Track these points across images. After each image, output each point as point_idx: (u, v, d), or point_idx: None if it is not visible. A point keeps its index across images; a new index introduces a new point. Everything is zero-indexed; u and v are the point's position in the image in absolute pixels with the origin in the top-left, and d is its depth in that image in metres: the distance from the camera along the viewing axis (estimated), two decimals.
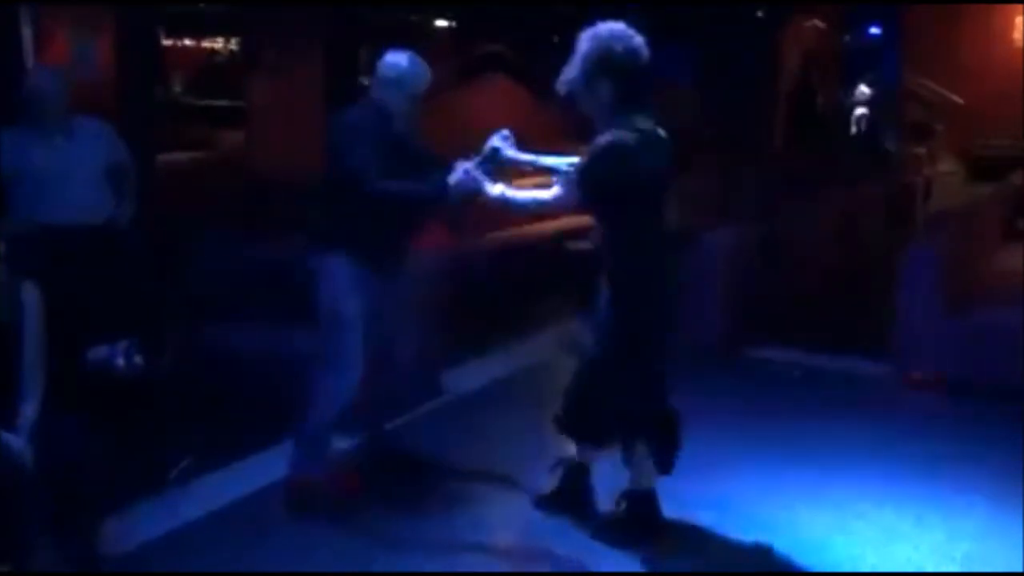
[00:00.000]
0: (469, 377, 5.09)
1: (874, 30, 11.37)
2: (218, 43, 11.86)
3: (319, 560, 3.31)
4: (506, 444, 4.28)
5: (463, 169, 3.42)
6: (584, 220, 6.64)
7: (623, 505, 3.45)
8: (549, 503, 3.62)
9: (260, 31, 8.62)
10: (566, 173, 3.32)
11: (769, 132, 10.35)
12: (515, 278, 6.53)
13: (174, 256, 5.09)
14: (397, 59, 3.61)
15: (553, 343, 5.74)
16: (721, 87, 9.79)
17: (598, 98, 3.21)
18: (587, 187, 3.22)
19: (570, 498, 3.59)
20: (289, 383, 4.40)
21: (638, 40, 3.22)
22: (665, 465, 3.41)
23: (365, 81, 10.43)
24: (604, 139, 3.16)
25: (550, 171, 3.56)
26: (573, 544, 3.41)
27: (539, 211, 3.66)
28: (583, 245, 5.96)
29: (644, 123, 3.22)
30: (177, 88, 11.67)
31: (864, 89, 10.33)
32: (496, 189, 3.44)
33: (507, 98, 8.92)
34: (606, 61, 3.17)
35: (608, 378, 3.37)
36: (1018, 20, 9.44)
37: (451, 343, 5.01)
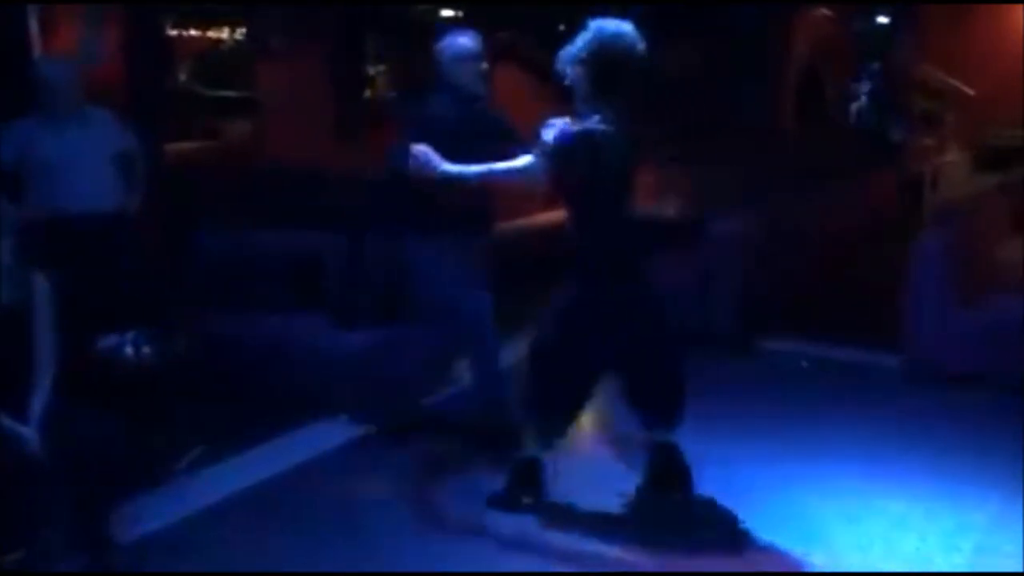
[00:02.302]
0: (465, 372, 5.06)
1: (882, 19, 11.30)
2: (224, 33, 11.83)
3: (328, 550, 3.32)
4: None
5: (416, 147, 3.51)
6: None
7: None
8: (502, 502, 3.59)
9: (266, 20, 8.61)
10: (542, 144, 3.33)
11: (778, 122, 10.31)
12: (516, 270, 6.51)
13: (184, 244, 5.10)
14: (464, 38, 3.83)
15: None
16: (729, 76, 9.75)
17: (578, 83, 3.32)
18: (554, 167, 3.31)
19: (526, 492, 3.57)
20: (298, 372, 4.43)
21: (630, 41, 3.28)
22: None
23: (371, 70, 10.49)
24: (575, 128, 3.26)
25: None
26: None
27: (507, 180, 3.64)
28: None
29: (615, 117, 3.28)
30: (183, 78, 11.66)
31: (864, 80, 10.31)
32: (448, 166, 3.51)
33: (517, 87, 8.89)
34: (594, 52, 3.26)
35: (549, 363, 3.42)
36: None
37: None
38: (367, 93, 10.18)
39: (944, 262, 4.92)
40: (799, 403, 4.64)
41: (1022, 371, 4.60)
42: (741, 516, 3.49)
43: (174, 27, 10.80)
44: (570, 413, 3.54)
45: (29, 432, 2.91)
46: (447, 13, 10.32)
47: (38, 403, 2.99)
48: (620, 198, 3.38)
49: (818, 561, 3.25)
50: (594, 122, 3.25)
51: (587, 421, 4.11)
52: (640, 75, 3.29)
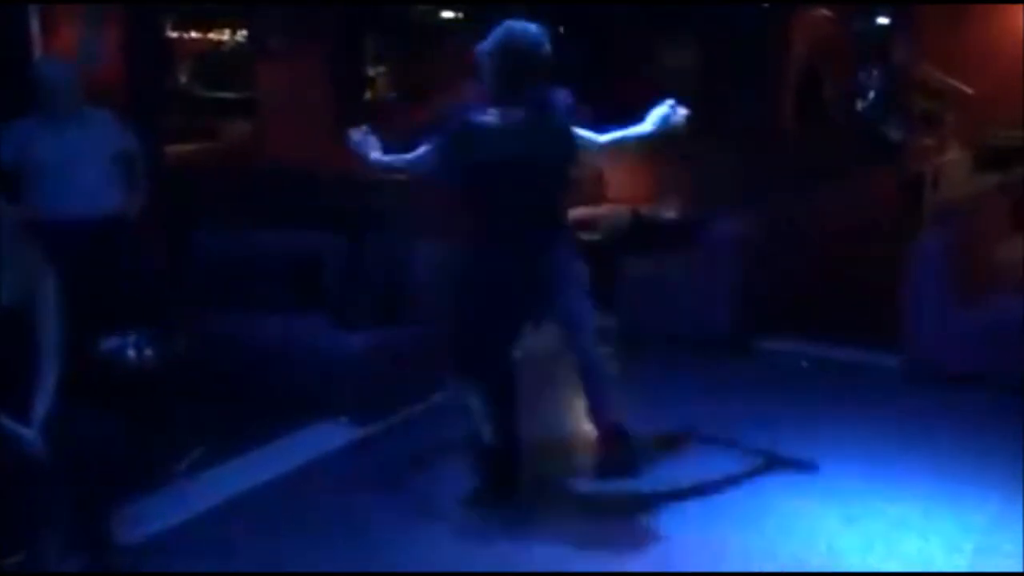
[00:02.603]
0: None
1: (882, 19, 11.30)
2: (224, 35, 11.84)
3: (329, 551, 3.32)
4: None
5: (358, 132, 3.65)
6: (594, 212, 6.69)
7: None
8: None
9: (267, 21, 8.62)
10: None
11: (777, 122, 10.31)
12: None
13: (185, 245, 5.10)
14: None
15: (558, 333, 5.74)
16: (728, 76, 9.75)
17: (486, 77, 3.45)
18: (438, 158, 3.46)
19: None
20: (299, 373, 4.43)
21: (534, 38, 3.39)
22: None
23: (371, 71, 10.48)
24: (459, 120, 3.42)
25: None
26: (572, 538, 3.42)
27: (410, 171, 3.71)
28: (595, 236, 5.96)
29: (512, 113, 3.39)
30: (183, 79, 11.67)
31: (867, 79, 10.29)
32: (373, 155, 3.66)
33: None
34: (497, 49, 3.40)
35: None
36: None
37: None
38: (367, 94, 10.19)
39: (944, 262, 4.92)
40: (798, 403, 4.64)
41: (1022, 371, 4.61)
42: (739, 516, 3.48)
43: (174, 29, 10.82)
44: (493, 386, 3.62)
45: (31, 433, 2.90)
46: (447, 15, 10.33)
47: (41, 405, 2.99)
48: (517, 188, 3.40)
49: (819, 562, 3.25)
50: (492, 114, 3.39)
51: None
52: (545, 71, 3.41)
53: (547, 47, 3.41)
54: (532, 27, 3.42)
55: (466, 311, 3.55)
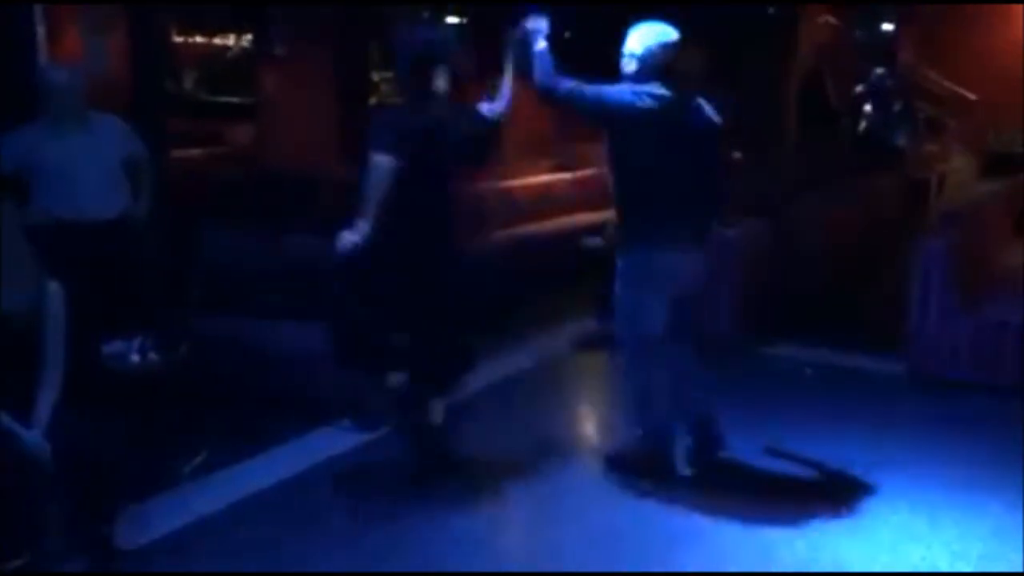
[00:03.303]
0: (478, 375, 5.07)
1: (887, 26, 11.30)
2: (230, 40, 11.88)
3: (332, 556, 3.33)
4: (515, 440, 4.29)
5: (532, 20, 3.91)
6: (598, 217, 6.70)
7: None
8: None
9: (272, 26, 8.64)
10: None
11: (782, 129, 10.31)
12: (528, 275, 6.53)
13: (187, 250, 5.11)
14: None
15: (566, 340, 5.75)
16: (733, 82, 9.75)
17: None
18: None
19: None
20: (302, 378, 4.44)
21: (441, 41, 3.93)
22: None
23: (375, 76, 10.51)
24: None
25: None
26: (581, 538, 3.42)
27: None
28: (598, 242, 5.96)
29: (430, 104, 3.82)
30: (188, 84, 11.71)
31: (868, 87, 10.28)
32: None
33: (522, 94, 8.91)
34: (409, 51, 3.88)
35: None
36: None
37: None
38: (372, 99, 10.22)
39: (947, 267, 4.92)
40: (801, 410, 4.63)
41: None
42: (741, 523, 3.48)
43: (179, 34, 10.86)
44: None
45: (34, 436, 2.91)
46: (452, 20, 10.34)
47: (44, 408, 2.99)
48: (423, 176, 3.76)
49: (823, 568, 3.25)
50: (406, 111, 3.86)
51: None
52: (452, 72, 3.84)
53: (455, 48, 3.98)
54: (442, 31, 3.70)
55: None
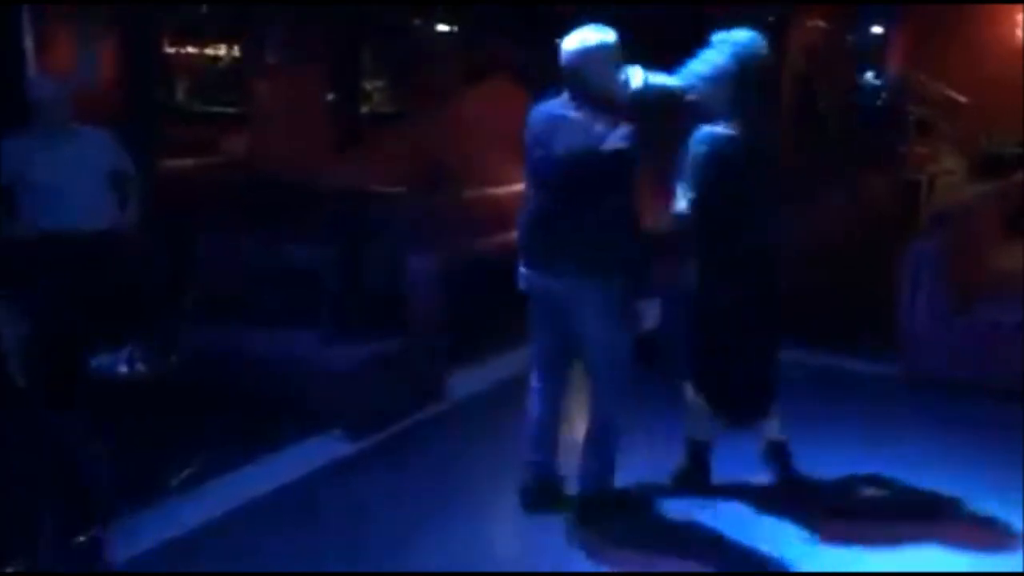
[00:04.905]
0: (470, 381, 5.07)
1: (877, 29, 11.34)
2: (221, 50, 11.90)
3: (322, 565, 3.31)
4: (506, 448, 4.28)
5: None
6: None
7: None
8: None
9: (264, 36, 8.66)
10: None
11: (772, 131, 10.33)
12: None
13: (180, 260, 5.11)
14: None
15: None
16: None
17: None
18: None
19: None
20: (293, 387, 4.43)
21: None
22: None
23: (367, 85, 10.54)
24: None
25: None
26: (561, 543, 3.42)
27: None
28: None
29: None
30: (181, 94, 11.72)
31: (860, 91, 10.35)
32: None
33: (512, 101, 8.92)
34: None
35: None
36: (1019, 18, 9.42)
37: (452, 347, 5.01)
38: (364, 108, 10.24)
39: (938, 268, 4.92)
40: (792, 413, 4.62)
41: (1017, 378, 4.60)
42: (735, 528, 3.48)
43: (171, 44, 10.87)
44: None
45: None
46: (443, 28, 10.37)
47: None
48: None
49: (820, 569, 3.25)
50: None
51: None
52: None
53: None
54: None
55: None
